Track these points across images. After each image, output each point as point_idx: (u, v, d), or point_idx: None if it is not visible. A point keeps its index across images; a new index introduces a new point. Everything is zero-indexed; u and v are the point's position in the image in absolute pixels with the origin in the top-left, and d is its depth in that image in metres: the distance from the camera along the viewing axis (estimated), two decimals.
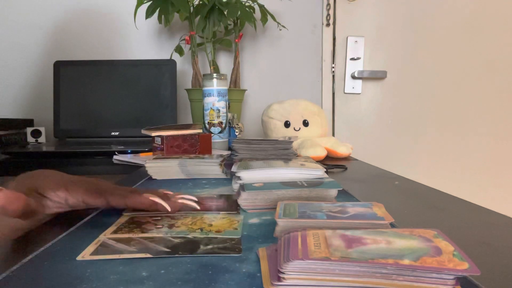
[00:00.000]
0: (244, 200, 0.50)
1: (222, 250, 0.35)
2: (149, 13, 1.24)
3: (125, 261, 0.33)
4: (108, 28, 1.50)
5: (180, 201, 0.47)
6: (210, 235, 0.39)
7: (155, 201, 0.42)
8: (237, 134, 1.11)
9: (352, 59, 1.57)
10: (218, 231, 0.40)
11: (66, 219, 0.45)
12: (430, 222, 0.47)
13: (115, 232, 0.41)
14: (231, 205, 0.52)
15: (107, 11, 1.49)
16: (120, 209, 0.48)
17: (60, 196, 0.44)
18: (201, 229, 0.41)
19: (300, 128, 1.11)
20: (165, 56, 1.46)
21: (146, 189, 0.49)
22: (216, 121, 1.02)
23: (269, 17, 1.34)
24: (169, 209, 0.43)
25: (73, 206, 0.45)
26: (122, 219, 0.45)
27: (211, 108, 1.02)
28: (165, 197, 0.46)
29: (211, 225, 0.43)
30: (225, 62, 1.53)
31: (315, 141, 1.00)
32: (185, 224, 0.43)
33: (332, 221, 0.36)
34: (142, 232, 0.40)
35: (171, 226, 0.42)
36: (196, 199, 0.49)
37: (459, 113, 1.61)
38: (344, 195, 0.57)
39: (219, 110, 1.02)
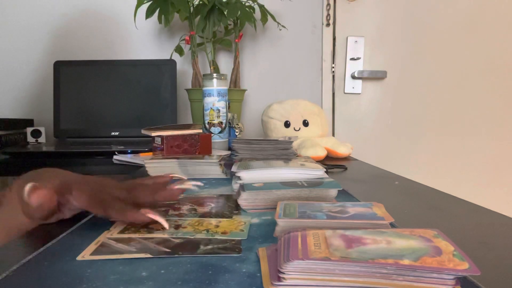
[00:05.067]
0: (244, 200, 0.50)
1: (222, 250, 0.35)
2: (149, 13, 1.24)
3: (125, 261, 0.33)
4: (108, 28, 1.50)
5: (178, 187, 0.47)
6: (216, 236, 0.39)
7: (153, 218, 0.41)
8: (237, 134, 1.11)
9: (352, 59, 1.57)
10: (224, 233, 0.40)
11: (66, 219, 0.45)
12: (430, 222, 0.47)
13: (115, 232, 0.40)
14: (231, 205, 0.52)
15: (107, 11, 1.49)
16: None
17: (66, 199, 0.43)
18: (207, 230, 0.41)
19: (300, 128, 1.11)
20: (165, 56, 1.46)
21: (149, 179, 0.49)
22: (216, 121, 1.02)
23: (269, 17, 1.34)
24: (166, 227, 0.41)
25: (78, 210, 0.45)
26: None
27: (211, 108, 1.02)
28: (163, 188, 0.46)
29: (217, 226, 0.42)
30: (225, 62, 1.53)
31: (315, 141, 1.00)
32: (192, 225, 0.43)
33: (332, 221, 0.36)
34: (148, 232, 0.40)
35: (177, 227, 0.42)
36: (194, 183, 0.49)
37: (459, 113, 1.61)
38: (344, 195, 0.57)
39: (219, 110, 1.02)
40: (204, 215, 0.47)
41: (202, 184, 0.52)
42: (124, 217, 0.40)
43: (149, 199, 0.45)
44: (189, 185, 0.48)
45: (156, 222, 0.40)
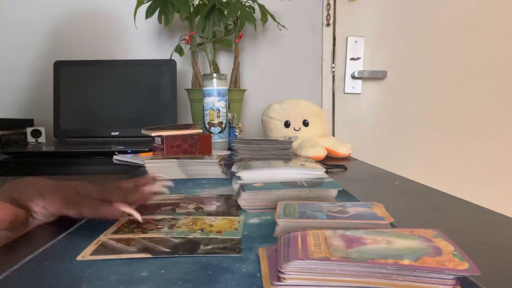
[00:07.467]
0: (244, 200, 0.50)
1: (222, 250, 0.35)
2: (149, 13, 1.24)
3: (125, 261, 0.33)
4: (108, 28, 1.50)
5: (147, 188, 0.46)
6: (211, 236, 0.39)
7: (126, 211, 0.41)
8: (237, 134, 1.11)
9: (352, 59, 1.57)
10: (218, 232, 0.40)
11: (66, 219, 0.45)
12: (430, 222, 0.47)
13: (115, 232, 0.41)
14: (231, 205, 0.52)
15: (107, 11, 1.49)
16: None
17: (39, 205, 0.43)
18: (202, 230, 0.41)
19: (300, 128, 1.11)
20: (165, 56, 1.46)
21: (131, 181, 0.49)
22: (216, 121, 1.02)
23: (269, 17, 1.34)
24: (140, 219, 0.42)
25: (56, 215, 0.44)
26: (123, 220, 0.45)
27: (211, 108, 1.02)
28: (134, 190, 0.46)
29: (211, 225, 0.43)
30: (225, 62, 1.53)
31: (315, 141, 1.00)
32: (186, 225, 0.43)
33: (332, 221, 0.36)
34: (143, 232, 0.40)
35: (171, 227, 0.42)
36: (166, 183, 0.49)
37: (459, 113, 1.61)
38: (344, 195, 0.57)
39: (219, 110, 1.02)
40: (211, 213, 0.47)
41: (173, 184, 0.51)
42: (97, 213, 0.41)
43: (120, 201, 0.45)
44: (158, 186, 0.48)
45: (150, 222, 0.41)
